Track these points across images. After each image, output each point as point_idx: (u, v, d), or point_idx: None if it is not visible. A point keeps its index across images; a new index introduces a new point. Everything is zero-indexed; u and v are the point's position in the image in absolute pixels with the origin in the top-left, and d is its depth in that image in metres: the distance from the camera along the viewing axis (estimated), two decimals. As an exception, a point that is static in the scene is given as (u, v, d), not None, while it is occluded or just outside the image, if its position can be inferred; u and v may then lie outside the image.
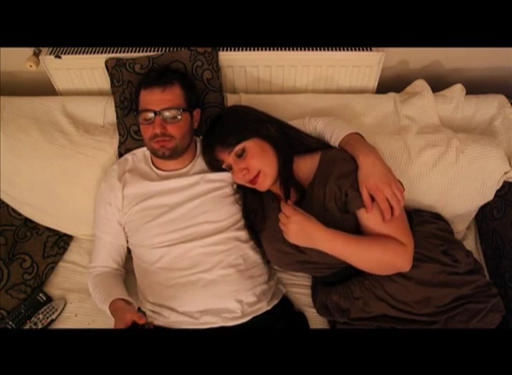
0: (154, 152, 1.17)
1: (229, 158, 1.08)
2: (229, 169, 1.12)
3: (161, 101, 1.11)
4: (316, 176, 1.06)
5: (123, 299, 1.09)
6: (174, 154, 1.16)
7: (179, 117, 1.13)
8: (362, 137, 1.10)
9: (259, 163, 1.05)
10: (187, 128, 1.16)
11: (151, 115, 1.11)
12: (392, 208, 0.96)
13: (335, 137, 1.10)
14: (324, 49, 1.33)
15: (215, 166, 1.14)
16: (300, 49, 1.33)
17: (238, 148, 1.06)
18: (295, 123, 1.18)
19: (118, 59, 1.31)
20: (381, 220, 0.97)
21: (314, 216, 0.98)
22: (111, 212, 1.20)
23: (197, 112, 1.22)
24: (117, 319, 1.01)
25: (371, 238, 0.98)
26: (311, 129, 1.18)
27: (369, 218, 0.99)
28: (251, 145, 1.06)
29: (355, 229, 1.01)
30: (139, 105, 1.16)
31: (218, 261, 1.11)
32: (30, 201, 1.37)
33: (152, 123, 1.12)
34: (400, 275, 1.00)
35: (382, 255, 0.96)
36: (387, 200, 0.96)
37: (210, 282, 1.10)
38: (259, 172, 1.06)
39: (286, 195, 1.08)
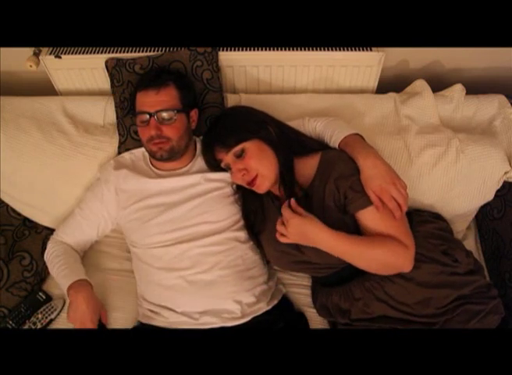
0: (152, 155, 1.18)
1: (227, 158, 1.08)
2: (227, 169, 1.12)
3: (155, 102, 1.11)
4: (316, 177, 1.06)
5: (85, 279, 1.14)
6: (172, 155, 1.16)
7: (175, 118, 1.13)
8: (362, 137, 1.10)
9: (257, 165, 1.05)
10: (184, 129, 1.16)
11: (147, 117, 1.12)
12: (399, 205, 0.96)
13: (334, 138, 1.10)
14: (324, 49, 1.33)
15: (213, 165, 1.14)
16: (300, 49, 1.33)
17: (237, 148, 1.06)
18: (294, 124, 1.18)
19: (118, 59, 1.31)
20: (384, 221, 0.97)
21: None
22: (97, 204, 1.22)
23: (194, 113, 1.22)
24: (80, 301, 1.07)
25: (372, 239, 0.97)
26: (311, 129, 1.18)
27: (371, 218, 0.98)
28: (250, 146, 1.06)
29: (353, 230, 1.01)
30: (135, 108, 1.17)
31: (216, 261, 1.11)
32: (30, 201, 1.37)
33: (148, 125, 1.12)
34: (400, 276, 1.00)
35: (383, 256, 0.95)
36: (394, 199, 0.96)
37: (209, 283, 1.10)
38: (257, 174, 1.06)
39: (288, 198, 1.08)
